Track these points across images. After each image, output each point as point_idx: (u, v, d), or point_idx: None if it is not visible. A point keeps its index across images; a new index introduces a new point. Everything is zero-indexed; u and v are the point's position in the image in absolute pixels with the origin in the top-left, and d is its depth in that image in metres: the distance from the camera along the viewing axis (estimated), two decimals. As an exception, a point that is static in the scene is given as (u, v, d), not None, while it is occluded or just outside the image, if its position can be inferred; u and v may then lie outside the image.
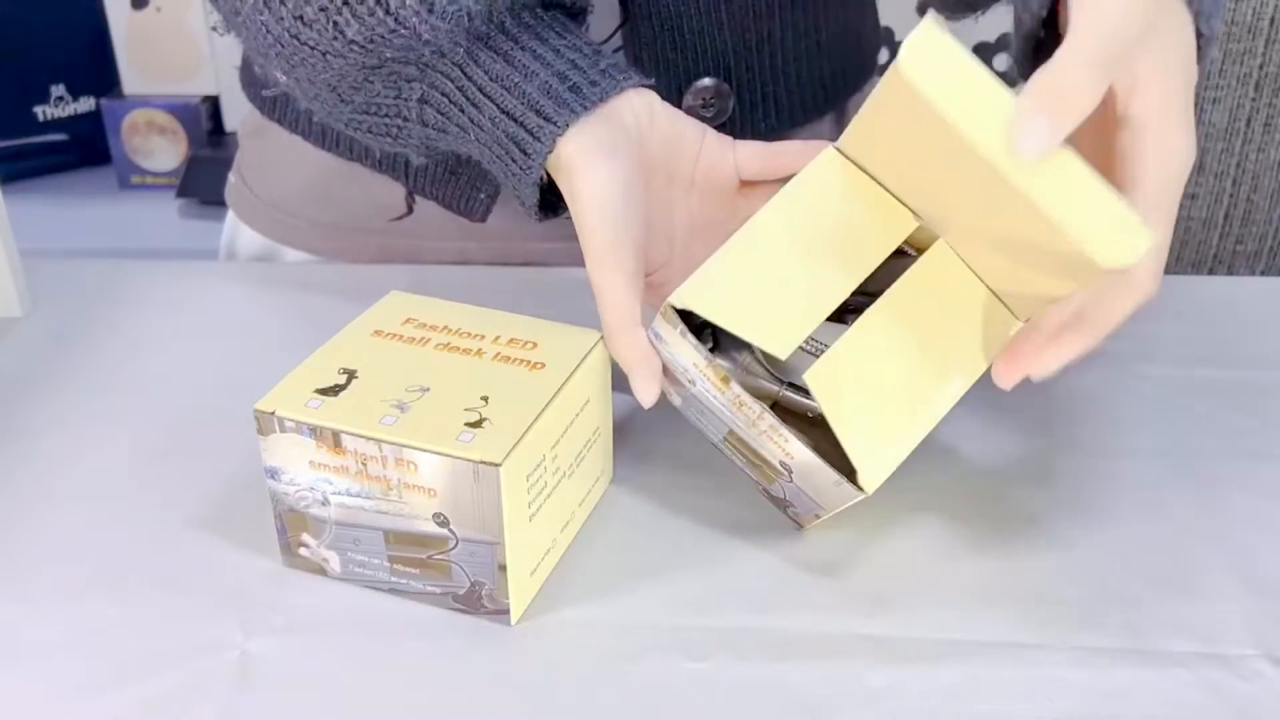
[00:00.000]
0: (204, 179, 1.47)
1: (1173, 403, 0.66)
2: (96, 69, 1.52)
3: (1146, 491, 0.60)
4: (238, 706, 0.49)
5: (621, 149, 0.57)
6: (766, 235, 0.54)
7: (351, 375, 0.53)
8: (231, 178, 0.87)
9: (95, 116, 1.53)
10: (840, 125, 0.79)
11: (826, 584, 0.54)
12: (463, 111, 0.58)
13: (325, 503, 0.52)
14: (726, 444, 0.56)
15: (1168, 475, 0.61)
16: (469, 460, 0.48)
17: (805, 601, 0.53)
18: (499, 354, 0.55)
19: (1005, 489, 0.60)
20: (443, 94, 0.59)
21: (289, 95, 0.65)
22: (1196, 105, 1.25)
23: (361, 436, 0.50)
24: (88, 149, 1.55)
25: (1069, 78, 0.45)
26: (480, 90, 0.58)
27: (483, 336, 0.56)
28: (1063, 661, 0.51)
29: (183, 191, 1.49)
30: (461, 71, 0.58)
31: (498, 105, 0.57)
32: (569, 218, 0.58)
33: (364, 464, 0.50)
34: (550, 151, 0.56)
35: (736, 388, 0.52)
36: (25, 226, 0.75)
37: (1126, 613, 0.53)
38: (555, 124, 0.56)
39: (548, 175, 0.58)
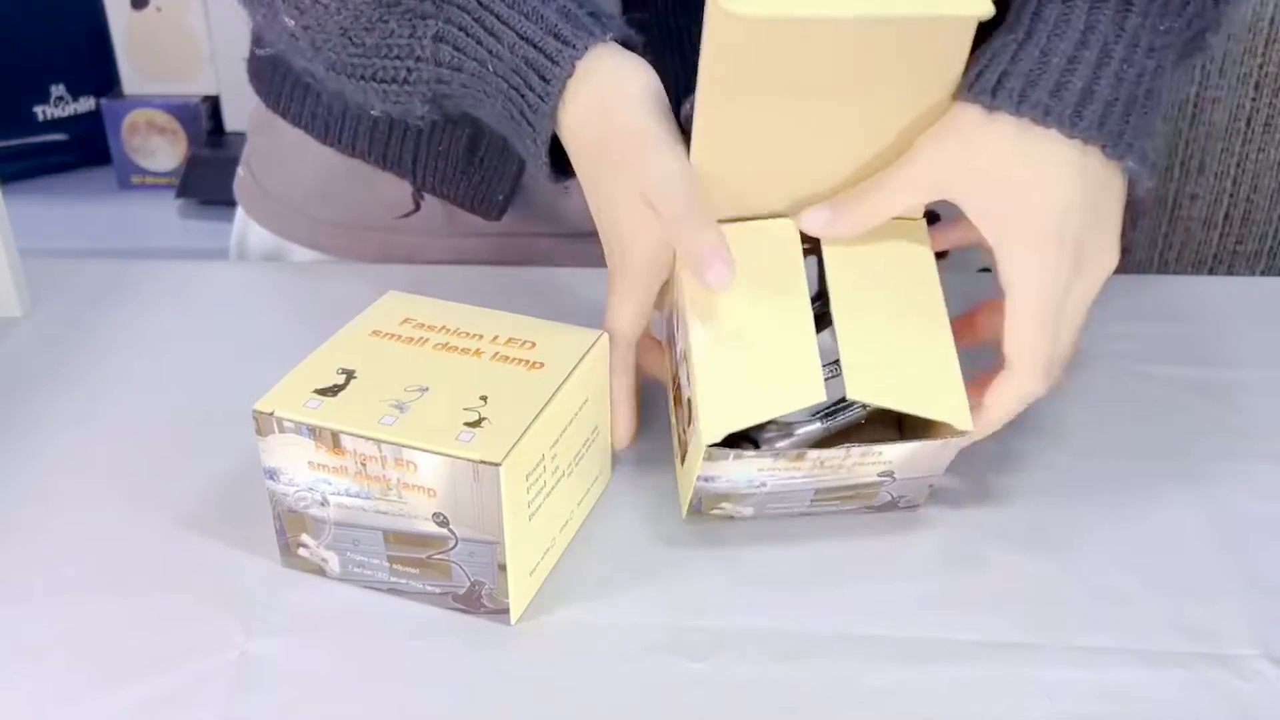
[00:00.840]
0: (204, 179, 1.47)
1: (1173, 403, 0.66)
2: (96, 69, 1.52)
3: (1146, 491, 0.60)
4: (238, 706, 0.49)
5: (646, 67, 0.56)
6: (714, 330, 0.54)
7: (350, 375, 0.53)
8: (240, 171, 0.86)
9: (95, 116, 1.53)
10: None
11: (826, 584, 0.54)
12: (480, 44, 0.57)
13: (324, 503, 0.52)
14: (815, 505, 0.56)
15: (1168, 475, 0.61)
16: (469, 460, 0.48)
17: (805, 601, 0.53)
18: (497, 354, 0.55)
19: (1004, 489, 0.60)
20: (459, 28, 0.58)
21: (286, 62, 0.63)
22: (1197, 106, 1.25)
23: (361, 437, 0.50)
24: (88, 149, 1.55)
25: (865, 206, 0.55)
26: (498, 18, 0.57)
27: (481, 336, 0.56)
28: (1063, 661, 0.51)
29: (183, 191, 1.49)
30: (479, 2, 0.57)
31: (517, 32, 0.56)
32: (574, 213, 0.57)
33: (363, 464, 0.50)
34: (570, 76, 0.55)
35: (812, 453, 0.52)
36: (25, 226, 0.75)
37: (1127, 613, 0.53)
38: (574, 47, 0.55)
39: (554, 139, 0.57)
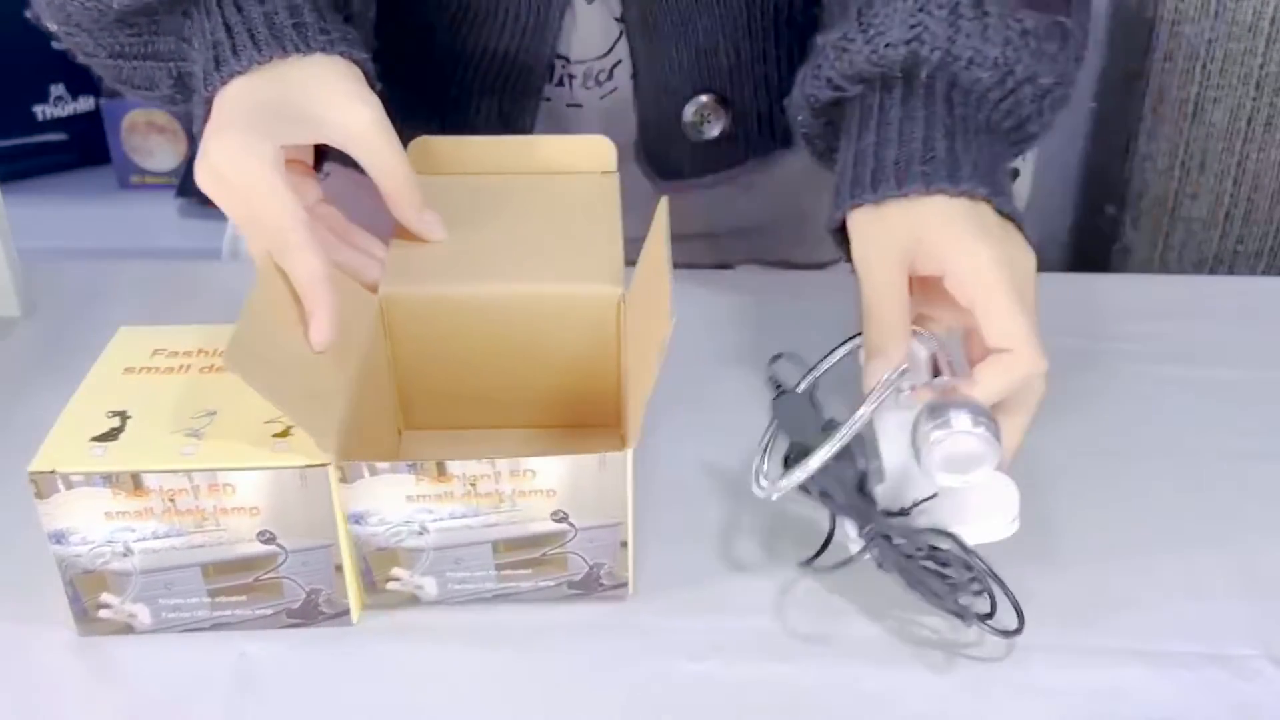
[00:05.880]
0: (204, 179, 1.47)
1: (1173, 403, 0.66)
2: (96, 69, 1.52)
3: (1147, 491, 0.60)
4: (238, 706, 0.49)
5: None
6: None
7: (124, 416, 0.50)
8: None
9: (95, 116, 1.53)
10: None
11: (826, 585, 0.54)
12: (194, 20, 0.58)
13: (127, 553, 0.49)
14: (501, 574, 0.52)
15: (1168, 475, 0.61)
16: (294, 467, 0.47)
17: (805, 602, 0.53)
18: None
19: (1005, 489, 0.60)
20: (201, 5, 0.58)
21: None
22: (1197, 106, 1.24)
23: (167, 472, 0.47)
24: (88, 149, 1.55)
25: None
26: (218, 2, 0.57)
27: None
28: (1063, 662, 0.51)
29: (182, 191, 1.49)
30: None
31: (223, 18, 0.57)
32: None
33: (172, 500, 0.48)
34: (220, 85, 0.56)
35: (453, 465, 0.48)
36: (25, 226, 0.75)
37: (1127, 613, 0.53)
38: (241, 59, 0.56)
39: None
